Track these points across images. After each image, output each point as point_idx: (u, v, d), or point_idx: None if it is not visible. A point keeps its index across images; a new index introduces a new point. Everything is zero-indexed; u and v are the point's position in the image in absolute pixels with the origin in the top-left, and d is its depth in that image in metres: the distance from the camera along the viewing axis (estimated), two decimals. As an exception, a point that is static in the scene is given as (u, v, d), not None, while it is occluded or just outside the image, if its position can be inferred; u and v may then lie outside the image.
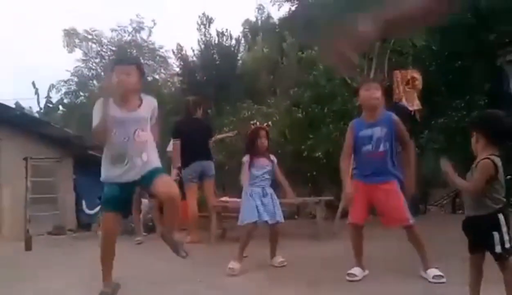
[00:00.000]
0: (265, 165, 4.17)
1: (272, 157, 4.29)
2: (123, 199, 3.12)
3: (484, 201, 2.36)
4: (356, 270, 3.44)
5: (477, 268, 2.41)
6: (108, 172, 3.09)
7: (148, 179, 3.05)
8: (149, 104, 3.15)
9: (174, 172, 6.04)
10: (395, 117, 3.50)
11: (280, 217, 4.10)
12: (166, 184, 3.08)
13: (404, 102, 6.87)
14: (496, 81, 8.35)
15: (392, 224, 3.43)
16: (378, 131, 3.39)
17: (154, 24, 18.73)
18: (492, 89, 8.51)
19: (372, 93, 3.47)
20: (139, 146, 3.04)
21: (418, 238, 3.32)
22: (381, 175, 3.38)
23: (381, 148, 3.39)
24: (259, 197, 4.05)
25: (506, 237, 2.32)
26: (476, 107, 8.36)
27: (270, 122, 6.38)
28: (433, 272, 3.22)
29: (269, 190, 4.16)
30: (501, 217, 2.35)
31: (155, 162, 3.14)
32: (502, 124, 2.47)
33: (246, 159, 4.16)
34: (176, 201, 3.12)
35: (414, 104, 6.87)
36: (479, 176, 2.36)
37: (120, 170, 3.03)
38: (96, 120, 2.98)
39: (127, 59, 3.58)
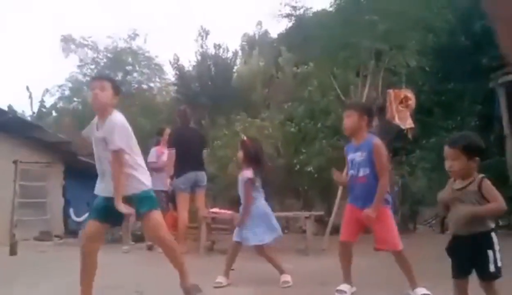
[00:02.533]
0: (241, 178, 4.01)
1: (244, 172, 3.99)
2: (108, 210, 3.07)
3: (485, 219, 2.37)
4: (345, 287, 3.44)
5: (464, 292, 2.40)
6: (96, 185, 3.23)
7: (137, 206, 3.14)
8: (109, 123, 3.06)
9: (167, 181, 6.02)
10: (376, 141, 3.43)
11: (260, 240, 3.89)
12: (153, 228, 3.20)
13: (397, 120, 6.93)
14: (488, 104, 8.46)
15: (382, 248, 3.45)
16: (358, 156, 3.43)
17: (149, 31, 18.86)
18: (483, 111, 8.63)
19: (346, 122, 3.55)
20: (108, 166, 3.08)
21: (405, 261, 3.33)
22: (367, 200, 3.35)
23: (361, 173, 3.40)
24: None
25: (498, 256, 2.33)
26: (467, 128, 8.46)
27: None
28: (420, 290, 3.23)
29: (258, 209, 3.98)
30: (494, 235, 2.36)
31: (132, 185, 3.11)
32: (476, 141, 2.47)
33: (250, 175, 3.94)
34: (167, 241, 3.23)
35: (406, 123, 6.94)
36: (497, 193, 2.33)
37: (101, 185, 3.16)
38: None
39: (100, 76, 3.75)
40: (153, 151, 6.86)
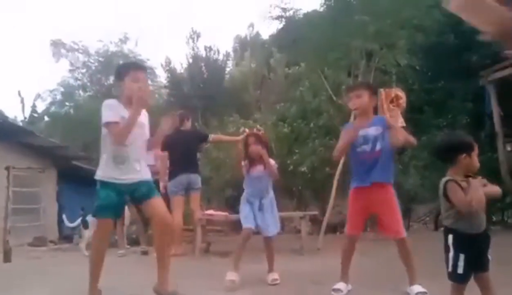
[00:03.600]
0: (261, 172, 4.00)
1: (271, 161, 4.03)
2: (118, 203, 3.12)
3: (484, 217, 2.41)
4: (341, 285, 3.44)
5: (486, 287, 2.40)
6: (107, 172, 3.05)
7: (141, 193, 3.11)
8: (144, 113, 3.20)
9: (161, 184, 6.02)
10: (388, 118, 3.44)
11: (273, 232, 3.98)
12: (161, 209, 3.15)
13: (388, 119, 6.97)
14: (478, 101, 8.55)
15: (387, 233, 3.40)
16: (374, 130, 3.40)
17: (140, 34, 18.86)
18: (474, 108, 8.71)
19: (352, 103, 3.53)
20: (138, 152, 3.10)
21: (409, 252, 3.30)
22: (379, 175, 3.34)
23: (378, 147, 3.38)
24: (256, 206, 3.98)
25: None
26: (458, 126, 8.53)
27: (258, 126, 6.14)
28: (417, 288, 3.23)
29: (267, 201, 4.03)
30: None
31: (147, 172, 3.22)
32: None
33: (244, 162, 4.04)
34: (170, 227, 3.18)
35: (398, 122, 6.99)
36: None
37: (120, 171, 3.04)
38: (111, 117, 2.99)
39: (143, 67, 3.60)
40: (150, 154, 6.83)
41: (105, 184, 3.04)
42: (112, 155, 3.04)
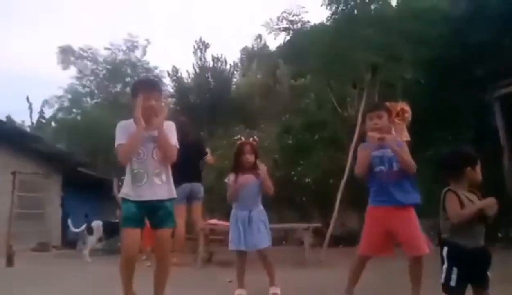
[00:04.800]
0: (250, 181, 3.87)
1: (261, 168, 3.91)
2: (141, 215, 3.06)
3: (482, 232, 2.42)
4: None
5: None
6: (125, 190, 3.07)
7: (157, 220, 3.05)
8: (168, 127, 3.13)
9: None
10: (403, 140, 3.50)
11: (263, 244, 3.83)
12: (165, 247, 3.10)
13: (393, 133, 6.98)
14: (484, 115, 8.53)
15: (409, 251, 3.25)
16: (389, 152, 3.37)
17: (148, 43, 19.00)
18: (479, 123, 8.69)
19: (373, 123, 3.49)
20: (157, 165, 3.05)
21: (422, 270, 3.21)
22: (399, 197, 3.30)
23: (395, 167, 3.34)
24: (242, 223, 3.85)
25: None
26: (463, 140, 8.51)
27: (255, 137, 6.09)
28: None
29: (255, 213, 3.89)
30: None
31: (171, 187, 3.13)
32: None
33: (229, 178, 3.96)
34: (165, 260, 3.12)
35: (403, 136, 6.98)
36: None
37: (138, 189, 3.02)
38: (119, 140, 3.02)
39: (157, 85, 3.60)
40: None
41: (125, 199, 3.08)
42: (131, 174, 3.05)
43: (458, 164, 2.51)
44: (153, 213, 3.05)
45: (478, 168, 2.52)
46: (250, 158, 3.90)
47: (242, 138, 4.82)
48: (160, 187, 3.06)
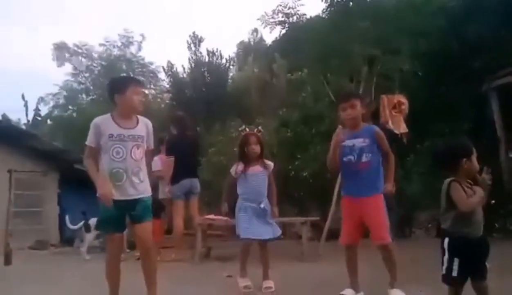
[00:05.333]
0: (258, 172, 3.88)
1: (268, 163, 3.98)
2: (119, 217, 3.08)
3: (481, 222, 2.42)
4: (348, 292, 3.38)
5: None
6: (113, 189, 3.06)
7: (137, 214, 3.09)
8: (145, 125, 3.21)
9: (167, 189, 5.97)
10: (377, 129, 3.49)
11: (271, 234, 3.84)
12: (146, 235, 3.13)
13: (390, 126, 6.97)
14: (481, 107, 8.53)
15: (374, 240, 3.32)
16: (360, 142, 3.35)
17: (143, 38, 18.92)
18: (476, 115, 8.69)
19: (347, 114, 3.43)
20: (135, 164, 3.08)
21: (392, 258, 3.28)
22: (366, 188, 3.32)
23: (364, 159, 3.33)
24: (251, 213, 3.81)
25: None
26: (461, 132, 8.50)
27: (260, 127, 6.06)
28: (395, 292, 3.21)
29: (264, 205, 3.86)
30: None
31: (147, 186, 3.19)
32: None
33: (233, 169, 3.93)
34: (150, 253, 3.17)
35: (400, 128, 6.98)
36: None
37: (118, 189, 3.03)
38: (89, 141, 3.14)
39: (142, 82, 3.70)
40: (157, 159, 6.71)
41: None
42: (108, 173, 3.03)
43: (453, 156, 2.52)
44: (133, 208, 3.08)
45: (474, 158, 2.52)
46: (256, 148, 3.89)
47: (247, 129, 4.78)
48: (139, 185, 3.10)
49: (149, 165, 3.32)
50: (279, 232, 3.97)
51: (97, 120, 3.14)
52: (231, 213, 4.10)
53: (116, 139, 3.04)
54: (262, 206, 3.84)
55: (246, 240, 3.82)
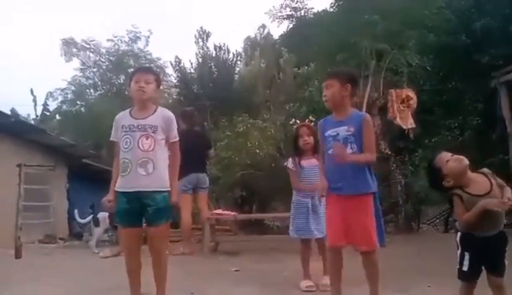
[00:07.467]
0: (314, 165, 3.57)
1: None
2: (133, 210, 2.97)
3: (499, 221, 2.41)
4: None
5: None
6: (118, 181, 3.05)
7: (149, 216, 2.97)
8: (161, 115, 3.07)
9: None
10: (367, 116, 2.98)
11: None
12: (154, 240, 3.02)
13: (398, 120, 6.95)
14: (490, 102, 8.46)
15: (357, 246, 2.80)
16: (344, 130, 2.83)
17: (151, 33, 18.94)
18: (485, 109, 8.62)
19: (323, 96, 3.03)
20: (143, 155, 2.94)
21: (376, 267, 2.80)
22: (353, 185, 2.79)
23: (349, 150, 2.79)
24: (307, 210, 3.64)
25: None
26: (469, 127, 8.44)
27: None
28: None
29: (318, 199, 3.57)
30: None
31: (160, 182, 3.00)
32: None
33: (289, 164, 3.72)
34: (160, 259, 3.05)
35: (408, 123, 6.96)
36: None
37: (124, 180, 2.97)
38: (112, 136, 3.15)
39: (147, 68, 3.64)
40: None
41: (117, 192, 3.04)
42: (121, 164, 3.02)
43: (434, 185, 2.54)
44: (143, 208, 2.96)
45: (451, 163, 2.45)
46: (308, 139, 3.67)
47: (298, 121, 4.50)
48: (145, 178, 2.93)
49: (173, 158, 3.15)
50: None
51: (118, 115, 3.15)
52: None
53: (127, 130, 3.00)
54: (314, 200, 3.64)
55: (306, 243, 3.70)
